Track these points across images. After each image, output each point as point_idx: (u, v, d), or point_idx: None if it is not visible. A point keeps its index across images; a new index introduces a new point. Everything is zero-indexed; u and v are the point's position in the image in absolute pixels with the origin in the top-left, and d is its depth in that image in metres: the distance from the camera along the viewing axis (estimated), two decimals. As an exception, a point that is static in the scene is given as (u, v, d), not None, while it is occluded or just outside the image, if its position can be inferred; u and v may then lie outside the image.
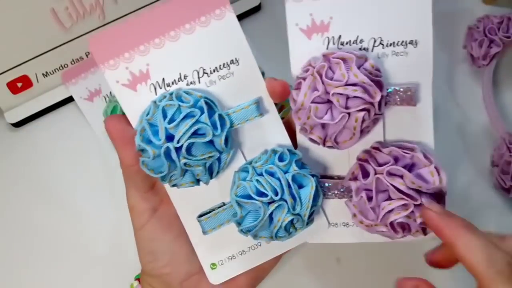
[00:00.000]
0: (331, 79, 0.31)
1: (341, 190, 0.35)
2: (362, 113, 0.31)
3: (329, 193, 0.35)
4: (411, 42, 0.33)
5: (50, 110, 0.56)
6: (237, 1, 0.56)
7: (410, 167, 0.33)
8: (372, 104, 0.31)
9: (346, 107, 0.31)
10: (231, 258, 0.37)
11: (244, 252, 0.37)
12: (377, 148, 0.34)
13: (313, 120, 0.32)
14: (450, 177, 0.50)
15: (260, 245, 0.37)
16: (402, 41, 0.33)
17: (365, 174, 0.33)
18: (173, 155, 0.31)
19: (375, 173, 0.33)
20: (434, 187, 0.32)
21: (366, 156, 0.34)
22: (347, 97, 0.31)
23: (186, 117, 0.31)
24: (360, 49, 0.33)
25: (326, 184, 0.35)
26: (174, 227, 0.36)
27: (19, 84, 0.52)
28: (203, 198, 0.35)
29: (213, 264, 0.37)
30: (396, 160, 0.33)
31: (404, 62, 0.33)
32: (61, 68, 0.53)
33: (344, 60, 0.31)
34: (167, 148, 0.31)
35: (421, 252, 0.47)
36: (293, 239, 0.35)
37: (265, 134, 0.35)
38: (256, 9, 0.57)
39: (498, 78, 0.53)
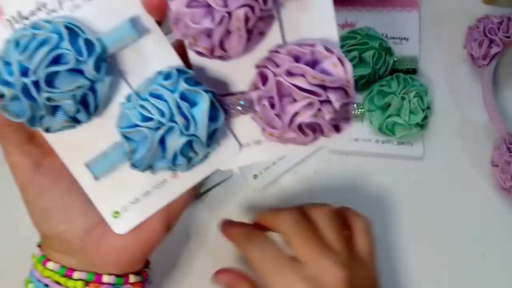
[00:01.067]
0: None
1: (242, 103, 0.32)
2: (243, 10, 0.28)
3: (232, 110, 0.32)
4: None
5: None
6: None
7: (313, 64, 0.30)
8: None
9: (225, 6, 0.28)
10: (134, 202, 0.33)
11: (148, 193, 0.33)
12: (275, 51, 0.30)
13: (192, 28, 0.28)
14: (450, 177, 0.50)
15: (166, 181, 0.33)
16: None
17: (265, 80, 0.30)
18: (32, 90, 0.27)
19: (275, 76, 0.29)
20: (339, 79, 0.29)
21: (264, 62, 0.30)
22: None
23: (41, 44, 0.27)
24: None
25: (228, 101, 0.32)
26: (63, 179, 0.33)
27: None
28: (93, 142, 0.31)
29: (116, 212, 0.33)
30: (297, 59, 0.30)
31: None
32: None
33: None
34: (24, 84, 0.27)
35: (421, 253, 0.47)
36: (202, 167, 0.32)
37: (150, 57, 0.31)
38: (256, 9, 0.57)
39: (498, 78, 0.53)
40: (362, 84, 0.51)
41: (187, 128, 0.29)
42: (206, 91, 0.29)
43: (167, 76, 0.29)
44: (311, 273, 0.35)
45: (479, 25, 0.52)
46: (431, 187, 0.50)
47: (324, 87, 0.29)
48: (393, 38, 0.55)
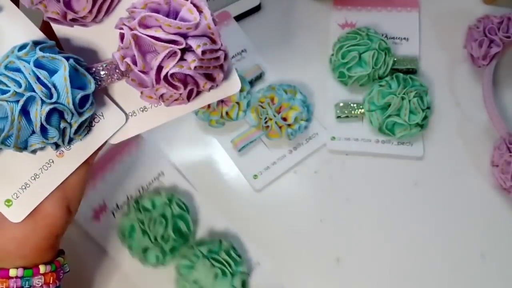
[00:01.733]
0: None
1: (106, 66, 0.30)
2: None
3: (102, 76, 0.30)
4: None
5: None
6: (237, 1, 0.56)
7: (175, 15, 0.29)
8: None
9: None
10: (24, 187, 0.32)
11: (37, 176, 0.32)
12: (133, 8, 0.29)
13: None
14: (450, 177, 0.50)
15: (53, 161, 0.32)
16: None
17: (123, 38, 0.29)
18: None
19: (130, 30, 0.28)
20: (197, 24, 0.28)
21: (122, 21, 0.29)
22: None
23: None
24: None
25: (96, 68, 0.30)
26: None
27: None
28: None
29: (7, 201, 0.32)
30: (157, 12, 0.29)
31: None
32: None
33: None
34: None
35: (421, 253, 0.47)
36: (88, 141, 0.32)
37: (7, 33, 0.30)
38: (256, 9, 0.57)
39: (498, 78, 0.53)
40: (362, 84, 0.51)
41: (48, 96, 0.27)
42: (67, 58, 0.28)
43: (22, 47, 0.28)
44: None
45: (479, 25, 0.52)
46: (431, 187, 0.50)
47: (184, 36, 0.28)
48: (393, 38, 0.55)
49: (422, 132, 0.50)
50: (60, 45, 0.31)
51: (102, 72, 0.30)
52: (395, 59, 0.52)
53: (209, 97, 0.32)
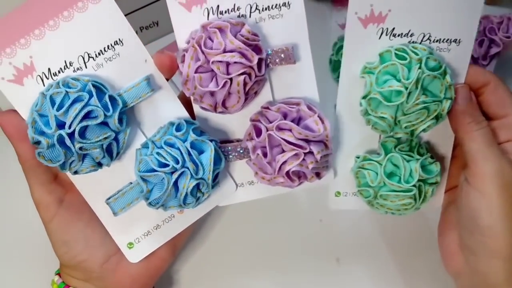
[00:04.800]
0: (211, 48, 0.33)
1: (240, 151, 0.37)
2: (242, 77, 0.33)
3: (230, 156, 0.37)
4: (284, 4, 0.35)
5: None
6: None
7: (298, 120, 0.36)
8: (251, 67, 0.33)
9: (228, 73, 0.33)
10: (146, 234, 0.38)
11: (159, 226, 0.38)
12: (266, 108, 0.36)
13: (199, 90, 0.33)
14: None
15: (174, 216, 0.38)
16: (276, 4, 0.35)
17: (258, 133, 0.36)
18: (67, 141, 0.31)
19: (267, 130, 0.35)
20: (320, 134, 0.35)
21: (258, 116, 0.36)
22: (227, 64, 0.33)
23: (74, 102, 0.31)
24: (238, 16, 0.35)
25: (227, 148, 0.37)
26: (83, 214, 0.36)
27: None
28: (110, 181, 0.36)
29: (130, 244, 0.38)
30: (285, 115, 0.36)
31: (280, 25, 0.35)
32: None
33: (220, 28, 0.33)
34: (60, 135, 0.31)
35: (421, 253, 0.47)
36: (204, 204, 0.37)
37: (162, 109, 0.36)
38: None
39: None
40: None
41: (196, 172, 0.33)
42: (211, 140, 0.35)
43: (178, 127, 0.35)
44: None
45: (479, 25, 0.51)
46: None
47: (307, 141, 0.35)
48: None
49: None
50: (193, 115, 0.38)
51: (230, 152, 0.37)
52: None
53: (304, 186, 0.38)
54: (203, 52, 0.33)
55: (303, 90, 0.37)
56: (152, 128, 0.36)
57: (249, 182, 0.39)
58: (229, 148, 0.37)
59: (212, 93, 0.34)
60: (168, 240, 0.39)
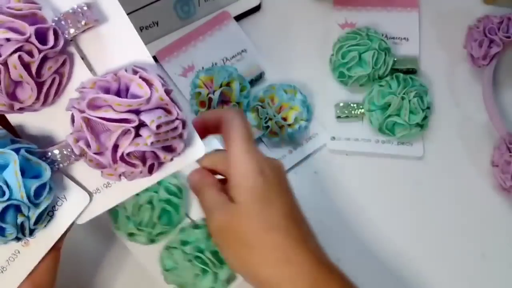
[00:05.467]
0: None
1: (61, 149, 0.30)
2: (16, 55, 0.26)
3: (59, 160, 0.30)
4: None
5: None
6: (237, 1, 0.56)
7: (126, 91, 0.28)
8: (28, 41, 0.26)
9: None
10: None
11: (4, 269, 0.32)
12: (82, 88, 0.28)
13: None
14: (450, 177, 0.50)
15: (19, 252, 0.32)
16: None
17: (74, 120, 0.28)
18: None
19: (80, 113, 0.27)
20: (150, 99, 0.27)
21: (72, 103, 0.28)
22: None
23: None
24: None
25: (52, 152, 0.30)
26: None
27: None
28: None
29: None
30: (107, 90, 0.28)
31: None
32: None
33: None
34: None
35: (421, 253, 0.47)
36: (52, 227, 0.31)
37: None
38: (256, 9, 0.57)
39: (498, 78, 0.53)
40: (362, 84, 0.51)
41: (1, 194, 0.27)
42: (17, 149, 0.28)
43: None
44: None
45: (479, 25, 0.52)
46: (431, 187, 0.50)
47: (137, 112, 0.27)
48: (393, 38, 0.55)
49: (422, 132, 0.50)
50: (15, 132, 0.30)
51: (58, 156, 0.29)
52: (395, 59, 0.52)
53: (173, 166, 0.31)
54: None
55: (126, 54, 0.30)
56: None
57: (105, 185, 0.32)
58: (55, 152, 0.29)
59: (0, 89, 0.27)
60: (22, 282, 0.32)
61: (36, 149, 0.29)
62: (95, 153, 0.28)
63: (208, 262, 0.40)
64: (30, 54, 0.26)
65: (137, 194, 0.38)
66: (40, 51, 0.27)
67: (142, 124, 0.27)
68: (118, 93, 0.28)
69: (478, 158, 0.50)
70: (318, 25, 0.56)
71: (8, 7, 0.26)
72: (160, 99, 0.27)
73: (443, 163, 0.50)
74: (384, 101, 0.48)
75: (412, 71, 0.52)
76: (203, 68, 0.53)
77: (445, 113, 0.52)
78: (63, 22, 0.28)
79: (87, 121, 0.27)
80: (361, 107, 0.51)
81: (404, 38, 0.55)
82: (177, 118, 0.28)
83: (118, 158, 0.27)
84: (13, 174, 0.27)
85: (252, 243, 0.33)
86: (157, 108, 0.27)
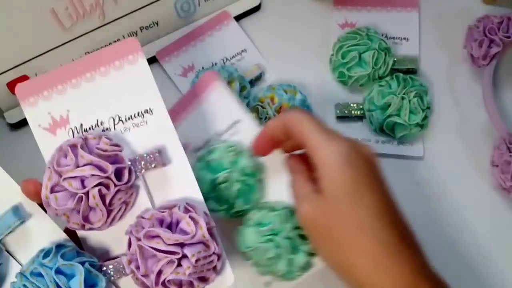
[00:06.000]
0: (64, 166, 0.33)
1: (120, 267, 0.35)
2: (96, 189, 0.32)
3: (112, 274, 0.35)
4: (146, 111, 0.36)
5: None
6: (237, 1, 0.56)
7: (176, 224, 0.34)
8: (108, 178, 0.32)
9: (83, 187, 0.32)
10: None
11: None
12: (140, 217, 0.34)
13: (60, 209, 0.33)
14: (451, 177, 0.50)
15: None
16: (138, 113, 0.36)
17: (130, 245, 0.34)
18: None
19: (137, 241, 0.33)
20: (194, 236, 0.33)
21: (131, 228, 0.34)
22: (82, 179, 0.32)
23: None
24: (103, 130, 0.36)
25: (108, 266, 0.35)
26: None
27: (19, 84, 0.52)
28: None
29: None
30: (161, 222, 0.34)
31: (146, 131, 0.36)
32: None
33: (73, 145, 0.33)
34: None
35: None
36: None
37: (35, 236, 0.35)
38: (256, 9, 0.57)
39: (498, 78, 0.53)
40: (362, 84, 0.51)
41: None
42: (83, 263, 0.33)
43: (46, 254, 0.33)
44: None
45: (479, 25, 0.52)
46: (431, 187, 0.50)
47: (181, 245, 0.32)
48: (393, 38, 0.55)
49: (422, 132, 0.50)
50: (80, 243, 0.36)
51: (111, 270, 0.35)
52: (395, 59, 0.52)
53: None
54: (56, 171, 0.33)
55: (182, 190, 0.36)
56: (30, 257, 0.35)
57: None
58: (110, 266, 0.35)
59: (78, 211, 0.33)
60: None
61: (97, 263, 0.34)
62: (142, 275, 0.33)
63: (282, 246, 0.39)
64: (107, 187, 0.33)
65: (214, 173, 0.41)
66: (115, 185, 0.33)
67: (184, 256, 0.32)
68: (169, 226, 0.33)
69: (478, 158, 0.50)
70: (318, 25, 0.56)
71: (97, 148, 0.33)
72: (202, 236, 0.33)
73: (443, 163, 0.50)
74: (384, 101, 0.48)
75: (412, 71, 0.52)
76: (203, 68, 0.53)
77: (445, 113, 0.52)
78: (137, 163, 0.35)
79: (141, 248, 0.32)
80: (361, 107, 0.51)
81: (404, 38, 0.55)
82: (214, 253, 0.33)
83: (160, 282, 0.33)
84: (77, 284, 0.32)
85: (340, 242, 0.32)
86: (198, 242, 0.33)
